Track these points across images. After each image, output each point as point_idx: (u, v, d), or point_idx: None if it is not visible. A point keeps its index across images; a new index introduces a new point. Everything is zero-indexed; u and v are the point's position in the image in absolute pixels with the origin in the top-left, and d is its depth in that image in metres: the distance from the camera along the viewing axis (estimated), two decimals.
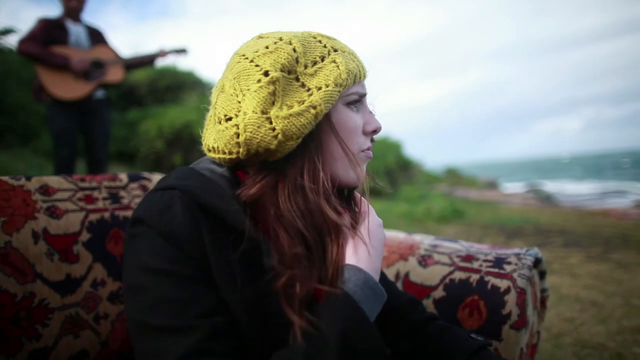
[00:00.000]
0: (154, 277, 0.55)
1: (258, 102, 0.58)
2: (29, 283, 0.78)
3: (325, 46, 0.64)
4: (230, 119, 0.60)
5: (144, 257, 0.56)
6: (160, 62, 3.27)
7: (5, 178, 0.83)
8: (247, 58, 0.61)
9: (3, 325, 0.73)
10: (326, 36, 0.66)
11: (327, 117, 0.62)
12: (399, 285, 0.95)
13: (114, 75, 2.96)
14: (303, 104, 0.59)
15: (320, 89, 0.60)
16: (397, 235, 1.06)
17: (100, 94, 3.01)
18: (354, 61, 0.65)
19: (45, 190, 0.89)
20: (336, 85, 0.61)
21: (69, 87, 2.82)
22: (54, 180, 0.92)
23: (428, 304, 0.91)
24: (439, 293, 0.90)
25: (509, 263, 0.88)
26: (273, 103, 0.58)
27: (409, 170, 10.47)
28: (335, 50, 0.64)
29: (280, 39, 0.62)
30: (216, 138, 0.63)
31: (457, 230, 5.23)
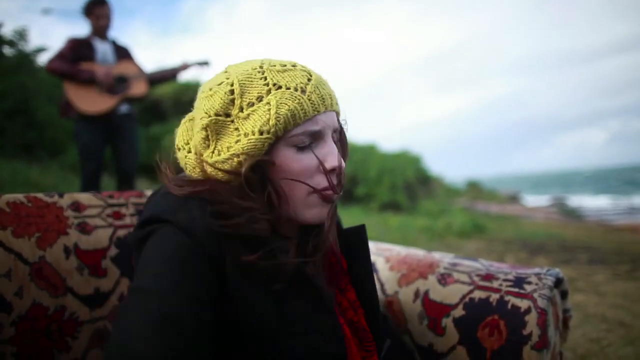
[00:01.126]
0: (153, 279, 0.53)
1: (197, 143, 0.64)
2: (60, 297, 0.81)
3: (267, 84, 0.61)
4: (180, 149, 0.69)
5: (152, 256, 0.55)
6: (184, 76, 3.38)
7: (40, 195, 0.87)
8: (200, 97, 0.66)
9: (36, 338, 0.76)
10: (276, 69, 0.63)
11: (270, 160, 0.61)
12: (419, 303, 0.96)
13: (138, 89, 3.06)
14: (229, 150, 0.61)
15: (247, 135, 0.60)
16: (416, 253, 1.07)
17: (124, 108, 3.10)
18: (297, 99, 0.60)
19: (76, 207, 0.92)
20: (262, 133, 0.59)
21: (94, 102, 2.93)
22: (85, 197, 0.96)
23: (448, 322, 0.91)
24: (459, 312, 0.90)
25: (530, 283, 0.87)
26: (207, 147, 0.63)
27: (429, 184, 10.39)
28: (279, 88, 0.61)
29: (226, 79, 0.63)
30: (180, 157, 0.70)
31: (478, 246, 5.16)
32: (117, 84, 2.99)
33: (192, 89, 8.91)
